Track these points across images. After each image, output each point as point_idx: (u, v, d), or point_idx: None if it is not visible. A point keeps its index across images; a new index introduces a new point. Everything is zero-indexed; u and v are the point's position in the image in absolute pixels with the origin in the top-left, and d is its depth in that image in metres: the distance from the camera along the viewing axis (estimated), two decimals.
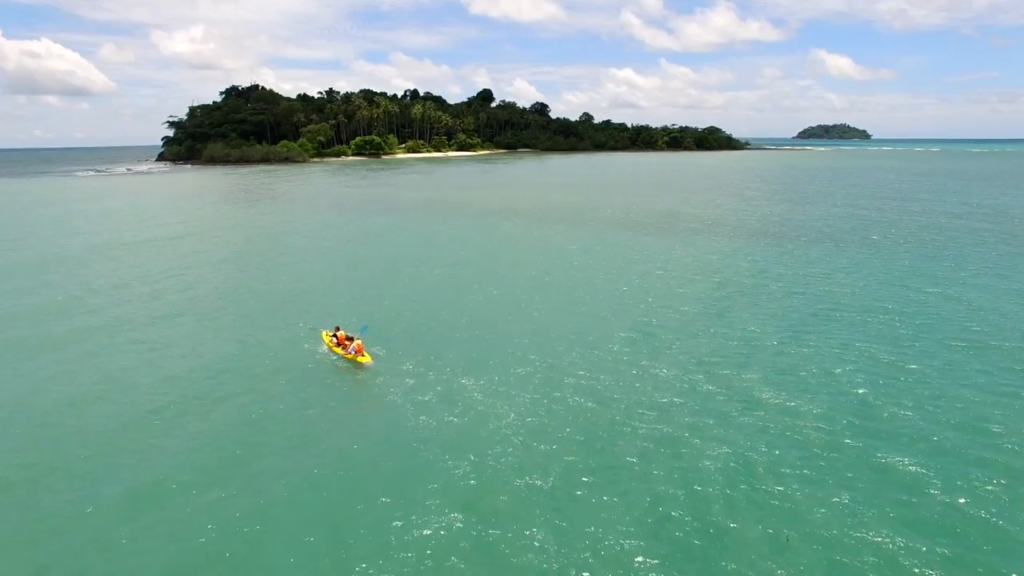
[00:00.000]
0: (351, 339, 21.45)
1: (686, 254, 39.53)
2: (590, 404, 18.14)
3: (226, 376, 20.74)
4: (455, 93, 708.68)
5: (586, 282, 32.30)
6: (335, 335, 22.00)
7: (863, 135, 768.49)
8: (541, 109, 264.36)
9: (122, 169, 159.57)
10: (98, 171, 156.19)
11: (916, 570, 11.32)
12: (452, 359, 21.52)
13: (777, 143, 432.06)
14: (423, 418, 17.33)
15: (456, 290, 31.22)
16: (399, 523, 12.79)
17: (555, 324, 25.35)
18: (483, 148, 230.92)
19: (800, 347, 22.36)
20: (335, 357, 21.68)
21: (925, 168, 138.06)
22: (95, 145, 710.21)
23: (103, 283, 33.45)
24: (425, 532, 12.55)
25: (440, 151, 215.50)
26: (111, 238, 47.99)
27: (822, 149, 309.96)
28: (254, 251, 42.92)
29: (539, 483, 14.14)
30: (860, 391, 18.68)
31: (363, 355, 20.87)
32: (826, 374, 19.96)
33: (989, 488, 13.69)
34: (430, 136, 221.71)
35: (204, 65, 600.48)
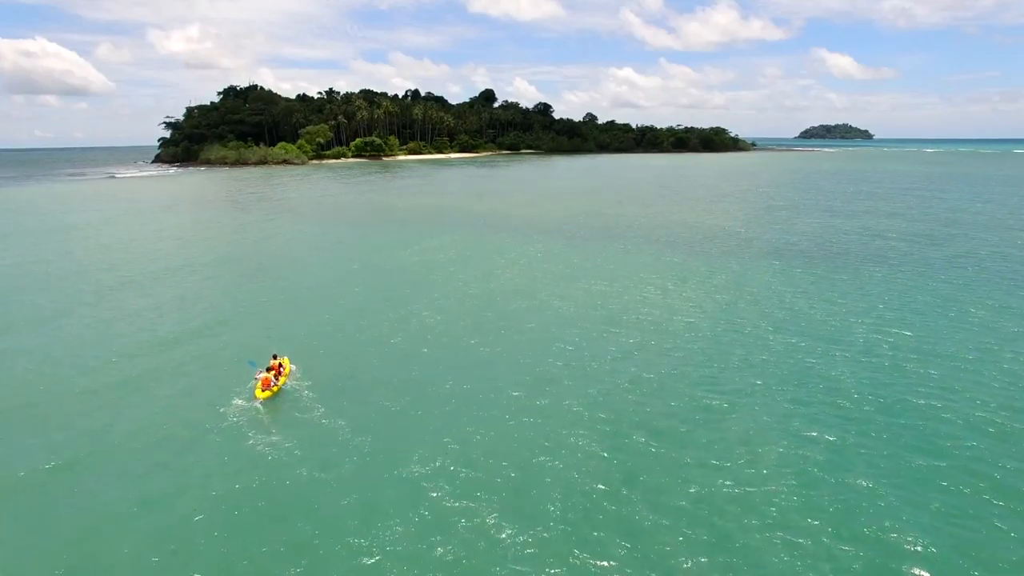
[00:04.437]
0: (268, 369, 20.40)
1: (727, 281, 34.86)
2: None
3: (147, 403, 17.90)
4: (455, 93, 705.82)
5: (607, 318, 27.59)
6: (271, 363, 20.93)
7: (865, 135, 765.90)
8: (544, 109, 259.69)
9: (111, 174, 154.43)
10: (84, 175, 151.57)
11: None
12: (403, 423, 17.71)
13: (779, 143, 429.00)
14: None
15: (456, 331, 26.02)
16: None
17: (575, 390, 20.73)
18: (485, 149, 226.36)
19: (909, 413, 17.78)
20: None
21: (958, 171, 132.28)
22: (94, 145, 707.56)
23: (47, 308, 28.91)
24: None
25: (442, 152, 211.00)
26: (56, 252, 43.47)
27: (830, 150, 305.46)
28: (222, 272, 38.13)
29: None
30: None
31: (262, 390, 19.48)
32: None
33: None
34: (431, 137, 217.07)
35: (202, 64, 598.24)
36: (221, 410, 18.64)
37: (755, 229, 51.37)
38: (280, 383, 20.18)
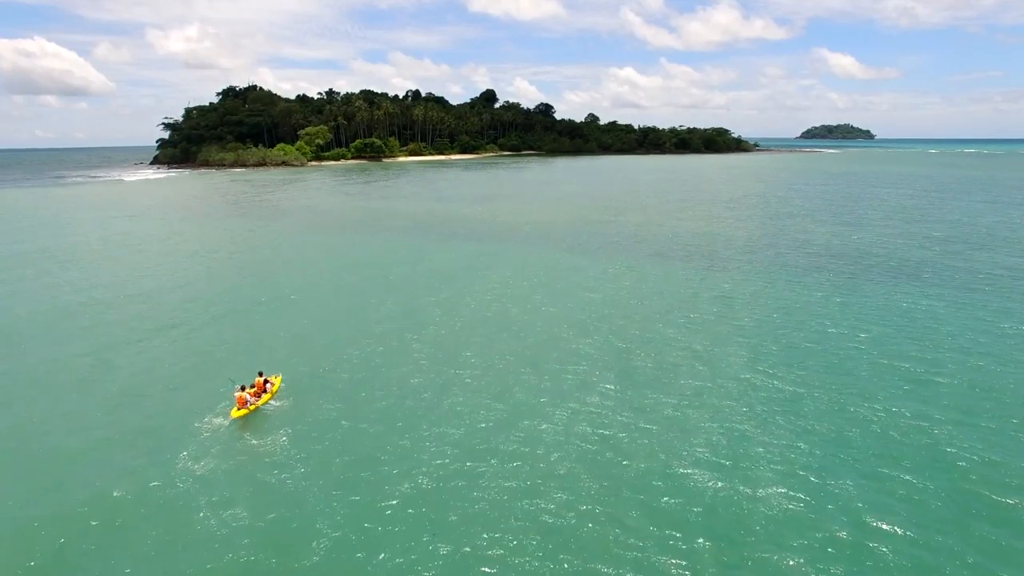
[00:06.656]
0: (244, 387, 19.39)
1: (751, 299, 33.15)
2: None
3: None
4: (455, 93, 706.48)
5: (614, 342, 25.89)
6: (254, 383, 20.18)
7: (867, 135, 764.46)
8: (546, 110, 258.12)
9: (118, 176, 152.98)
10: (95, 178, 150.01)
11: None
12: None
13: (781, 143, 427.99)
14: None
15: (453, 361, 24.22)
16: None
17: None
18: (487, 150, 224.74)
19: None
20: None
21: (969, 175, 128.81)
22: (95, 145, 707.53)
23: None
24: None
25: (443, 154, 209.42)
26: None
27: (833, 151, 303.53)
28: (204, 292, 36.50)
29: None
30: None
31: (237, 409, 18.71)
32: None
33: None
34: (432, 138, 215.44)
35: (201, 64, 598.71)
36: (185, 451, 16.90)
37: (820, 244, 49.58)
38: (261, 402, 19.31)
